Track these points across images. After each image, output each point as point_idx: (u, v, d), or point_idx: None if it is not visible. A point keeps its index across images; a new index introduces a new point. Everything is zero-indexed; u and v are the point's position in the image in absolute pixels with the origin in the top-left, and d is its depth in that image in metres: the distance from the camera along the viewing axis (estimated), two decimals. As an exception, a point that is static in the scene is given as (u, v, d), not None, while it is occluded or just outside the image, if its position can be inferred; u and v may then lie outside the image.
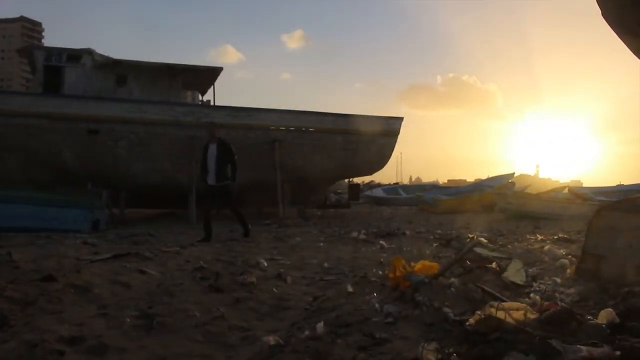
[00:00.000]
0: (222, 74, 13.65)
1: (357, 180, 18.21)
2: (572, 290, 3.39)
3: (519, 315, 2.40)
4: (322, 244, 7.15)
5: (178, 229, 9.64)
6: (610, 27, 2.47)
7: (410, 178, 74.75)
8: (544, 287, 3.48)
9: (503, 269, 4.03)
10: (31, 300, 3.34)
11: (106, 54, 12.57)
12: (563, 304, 2.79)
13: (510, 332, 2.08)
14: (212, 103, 14.08)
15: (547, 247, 5.60)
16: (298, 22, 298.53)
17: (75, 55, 12.05)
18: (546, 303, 2.77)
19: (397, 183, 36.35)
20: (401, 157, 71.10)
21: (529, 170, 46.80)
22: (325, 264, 5.33)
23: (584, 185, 24.39)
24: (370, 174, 16.05)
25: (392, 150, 14.48)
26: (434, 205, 15.53)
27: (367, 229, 9.06)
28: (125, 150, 11.62)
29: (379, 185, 28.48)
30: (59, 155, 11.15)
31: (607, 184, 19.24)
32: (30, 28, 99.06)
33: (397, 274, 3.48)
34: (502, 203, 13.11)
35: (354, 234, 8.12)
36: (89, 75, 12.05)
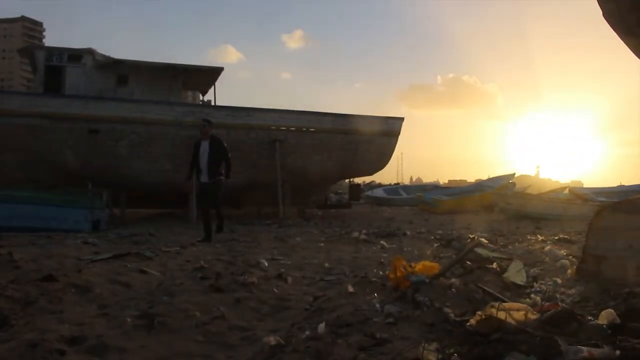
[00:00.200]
0: (222, 74, 13.69)
1: (358, 180, 18.23)
2: (572, 291, 3.40)
3: (519, 315, 2.40)
4: (322, 244, 7.15)
5: (178, 229, 9.65)
6: (611, 27, 2.48)
7: (411, 178, 74.96)
8: (545, 288, 3.49)
9: (504, 270, 4.03)
10: (32, 300, 3.35)
11: (107, 54, 12.60)
12: (564, 305, 2.79)
13: (511, 332, 2.08)
14: (212, 103, 14.10)
15: (547, 248, 5.60)
16: (298, 22, 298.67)
17: (76, 55, 12.06)
18: (547, 303, 2.77)
19: (397, 183, 36.30)
20: (402, 158, 71.26)
21: (530, 171, 46.75)
22: (326, 264, 5.34)
23: (585, 185, 24.36)
24: (371, 174, 16.05)
25: (393, 151, 14.50)
26: (434, 206, 15.53)
27: (368, 229, 9.07)
28: (126, 150, 11.63)
29: (379, 185, 28.48)
30: (60, 155, 11.16)
31: (608, 185, 19.21)
32: (31, 28, 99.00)
33: (398, 274, 3.47)
34: (502, 203, 13.10)
35: (355, 234, 8.13)
36: (90, 75, 12.06)
